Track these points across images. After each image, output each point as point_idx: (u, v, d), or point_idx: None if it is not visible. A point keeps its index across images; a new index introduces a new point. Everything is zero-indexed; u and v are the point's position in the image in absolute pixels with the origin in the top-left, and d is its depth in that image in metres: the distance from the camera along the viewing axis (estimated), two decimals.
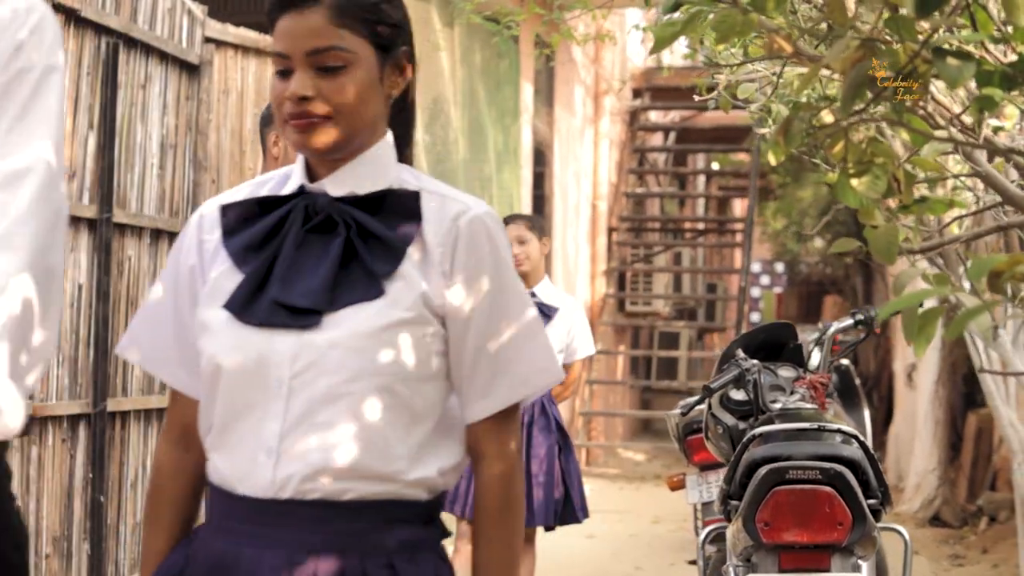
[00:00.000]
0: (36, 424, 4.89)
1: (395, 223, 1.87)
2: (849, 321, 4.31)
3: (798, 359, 4.26)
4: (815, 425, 3.44)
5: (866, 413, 5.72)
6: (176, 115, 5.77)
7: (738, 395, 4.12)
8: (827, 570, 3.16)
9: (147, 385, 5.59)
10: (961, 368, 10.34)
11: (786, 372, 4.19)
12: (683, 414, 4.25)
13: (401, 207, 1.89)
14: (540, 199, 10.88)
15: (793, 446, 3.33)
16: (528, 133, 10.02)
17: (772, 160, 1.92)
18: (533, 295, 5.25)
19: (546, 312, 5.23)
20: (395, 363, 1.83)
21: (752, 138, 15.85)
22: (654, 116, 15.30)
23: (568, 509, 5.24)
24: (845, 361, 5.20)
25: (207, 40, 5.94)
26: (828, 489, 3.17)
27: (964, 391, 10.59)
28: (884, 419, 12.46)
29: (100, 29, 5.18)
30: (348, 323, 1.82)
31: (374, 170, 1.90)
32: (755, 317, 31.29)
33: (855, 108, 1.65)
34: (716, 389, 3.91)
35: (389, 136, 1.94)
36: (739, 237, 19.26)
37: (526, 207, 9.86)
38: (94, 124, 5.19)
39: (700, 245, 17.34)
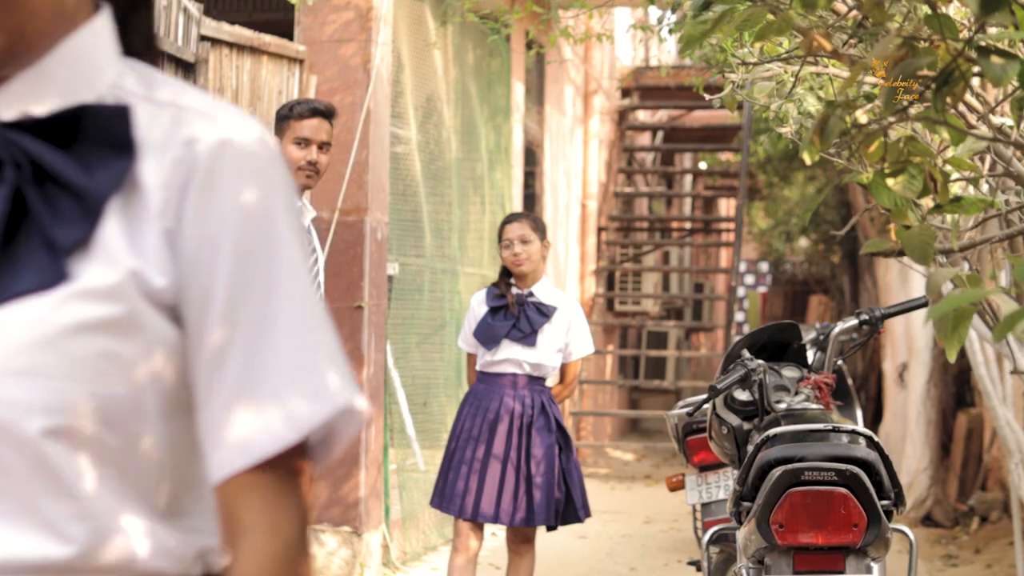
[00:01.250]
0: None
1: (94, 159, 1.15)
2: (854, 321, 4.29)
3: (802, 359, 4.24)
4: (829, 426, 3.42)
5: (858, 413, 5.71)
6: None
7: (743, 395, 4.10)
8: (842, 572, 3.14)
9: None
10: (952, 368, 10.35)
11: (790, 372, 4.17)
12: (689, 414, 4.23)
13: (104, 133, 1.16)
14: (530, 199, 10.85)
15: (807, 447, 3.31)
16: (519, 132, 10.00)
17: (807, 159, 1.89)
18: (531, 295, 5.24)
19: (544, 312, 5.22)
20: (92, 393, 1.11)
21: (742, 137, 15.87)
22: (642, 115, 15.29)
23: (569, 509, 5.23)
24: (839, 361, 5.19)
25: (202, 38, 5.90)
26: (843, 490, 3.15)
27: (953, 391, 10.61)
28: (873, 419, 12.48)
29: None
30: (7, 329, 1.11)
31: (69, 76, 1.17)
32: (739, 317, 31.35)
33: (897, 107, 1.63)
34: (722, 389, 3.89)
35: (101, 19, 1.21)
36: (726, 236, 19.30)
37: (517, 206, 9.84)
38: None
39: (690, 245, 17.34)
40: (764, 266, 31.51)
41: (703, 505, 5.47)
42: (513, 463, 5.16)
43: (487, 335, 5.22)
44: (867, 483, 3.18)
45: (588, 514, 5.31)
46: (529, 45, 8.90)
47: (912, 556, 3.87)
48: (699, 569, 5.65)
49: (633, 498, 10.36)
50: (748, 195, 18.56)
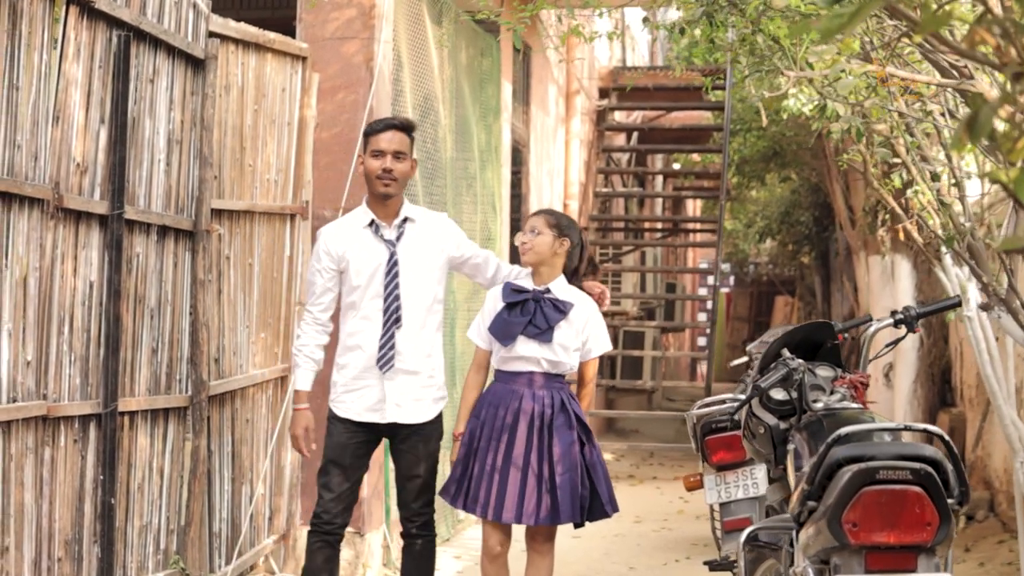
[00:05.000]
0: (50, 425, 4.78)
1: None
2: (889, 321, 4.30)
3: (835, 359, 4.25)
4: (901, 424, 3.42)
5: None
6: (182, 110, 5.66)
7: (779, 395, 4.10)
8: (913, 571, 3.14)
9: (154, 385, 5.49)
10: (938, 368, 10.42)
11: (824, 372, 4.18)
12: (732, 413, 4.22)
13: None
14: (517, 198, 10.83)
15: (876, 446, 3.30)
16: (508, 132, 9.98)
17: (955, 154, 1.88)
18: (548, 291, 5.19)
19: (561, 308, 5.17)
20: None
21: (718, 138, 15.92)
22: (618, 116, 15.31)
23: (595, 504, 5.17)
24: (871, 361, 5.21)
25: (210, 35, 5.84)
26: (918, 489, 3.14)
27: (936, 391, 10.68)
28: None
29: (112, 21, 5.07)
30: None
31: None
32: (702, 317, 31.46)
33: None
34: (767, 388, 3.88)
35: None
36: (695, 237, 19.34)
37: (507, 206, 9.82)
38: (105, 118, 5.09)
39: (672, 245, 17.37)
40: (726, 267, 31.62)
41: (722, 505, 5.47)
42: (534, 464, 5.10)
43: (503, 331, 5.17)
44: (939, 482, 3.18)
45: (615, 508, 5.24)
46: (517, 46, 8.86)
47: None
48: (713, 569, 5.65)
49: (619, 497, 10.32)
50: (711, 197, 18.63)
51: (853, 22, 1.85)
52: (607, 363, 15.34)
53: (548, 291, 5.20)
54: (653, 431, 15.56)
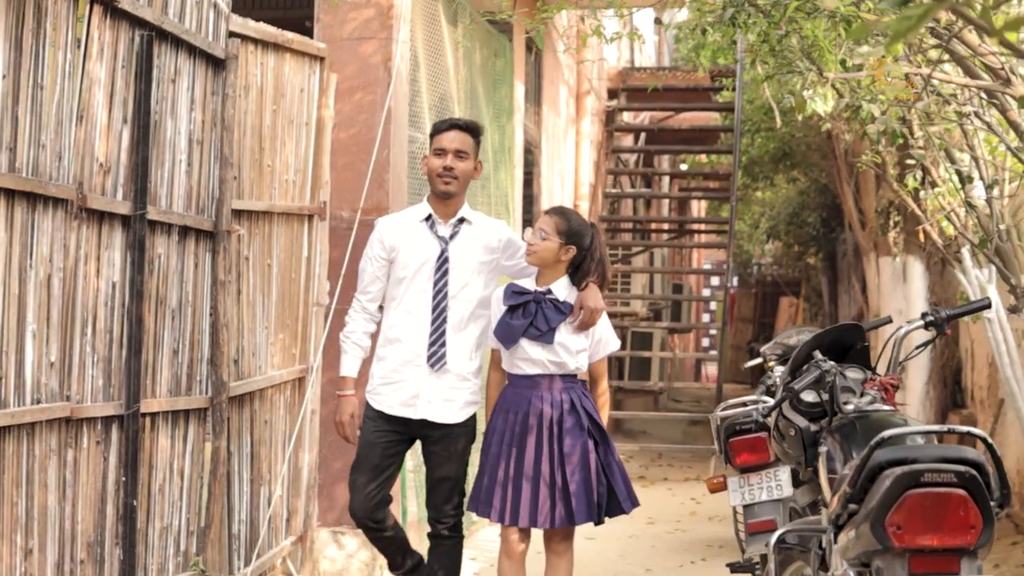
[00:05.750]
0: (73, 427, 4.76)
1: None
2: (919, 322, 4.28)
3: (864, 361, 4.23)
4: (944, 428, 3.41)
5: None
6: (203, 111, 5.64)
7: (809, 397, 4.08)
8: (956, 574, 3.12)
9: (175, 386, 5.47)
10: (950, 370, 10.41)
11: (854, 374, 4.16)
12: (764, 414, 4.20)
13: None
14: (528, 199, 10.82)
15: (919, 449, 3.29)
16: (520, 132, 9.96)
17: (992, 154, 1.86)
18: (549, 292, 5.16)
19: (561, 309, 5.15)
20: None
21: (726, 138, 15.91)
22: (626, 117, 15.30)
23: (613, 502, 5.15)
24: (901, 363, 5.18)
25: (230, 34, 5.82)
26: (962, 492, 3.13)
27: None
28: None
29: (135, 21, 5.06)
30: None
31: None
32: (705, 318, 31.43)
33: None
34: (800, 390, 3.86)
35: None
36: (702, 238, 19.33)
37: (519, 207, 9.80)
38: (128, 118, 5.07)
39: (687, 246, 17.35)
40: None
41: (745, 507, 5.45)
42: (546, 471, 5.07)
43: (505, 334, 5.16)
44: (983, 485, 3.16)
45: (635, 504, 5.21)
46: (529, 46, 8.88)
47: None
48: (735, 571, 5.63)
49: None
50: (718, 198, 18.64)
51: (920, 23, 1.83)
52: (615, 364, 15.32)
53: (549, 292, 5.17)
54: (661, 432, 15.54)
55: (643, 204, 17.86)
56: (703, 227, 19.11)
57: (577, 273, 5.21)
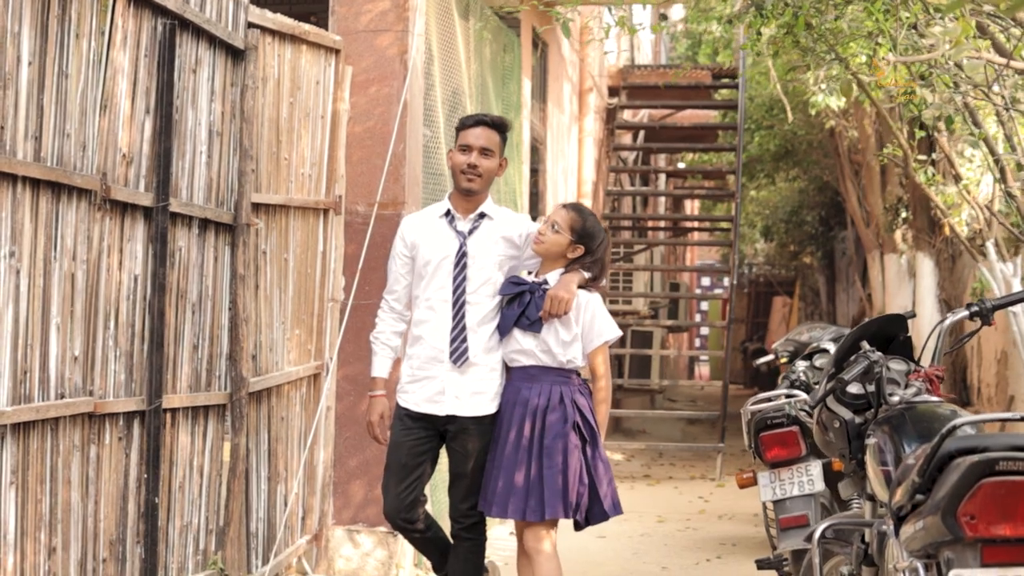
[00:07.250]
0: (95, 422, 4.67)
1: None
2: (964, 312, 4.22)
3: (907, 352, 4.17)
4: (1017, 415, 3.34)
5: None
6: (222, 102, 5.56)
7: (854, 388, 4.02)
8: None
9: (195, 382, 5.38)
10: (957, 367, 10.36)
11: (897, 365, 4.10)
12: (812, 405, 4.12)
13: None
14: (534, 196, 10.75)
15: (990, 437, 3.22)
16: (527, 128, 9.89)
17: None
18: (544, 283, 5.09)
19: None
20: None
21: (727, 136, 15.86)
22: (626, 114, 15.25)
23: (595, 508, 5.01)
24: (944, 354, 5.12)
25: (250, 25, 5.74)
26: None
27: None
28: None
29: (157, 9, 4.97)
30: None
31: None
32: (696, 319, 31.38)
33: None
34: (849, 381, 3.80)
35: None
36: (695, 236, 19.26)
37: (527, 203, 9.73)
38: (150, 108, 4.98)
39: (689, 243, 17.28)
40: (716, 266, 31.51)
41: (775, 502, 5.38)
42: (523, 459, 4.97)
43: (500, 324, 5.12)
44: None
45: (618, 511, 5.04)
46: (535, 42, 8.81)
47: None
48: (763, 567, 5.57)
49: (638, 497, 10.26)
50: (716, 197, 18.59)
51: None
52: (615, 363, 15.25)
53: (545, 283, 5.09)
54: (660, 431, 15.48)
55: (640, 202, 17.80)
56: (698, 225, 19.05)
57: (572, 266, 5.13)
